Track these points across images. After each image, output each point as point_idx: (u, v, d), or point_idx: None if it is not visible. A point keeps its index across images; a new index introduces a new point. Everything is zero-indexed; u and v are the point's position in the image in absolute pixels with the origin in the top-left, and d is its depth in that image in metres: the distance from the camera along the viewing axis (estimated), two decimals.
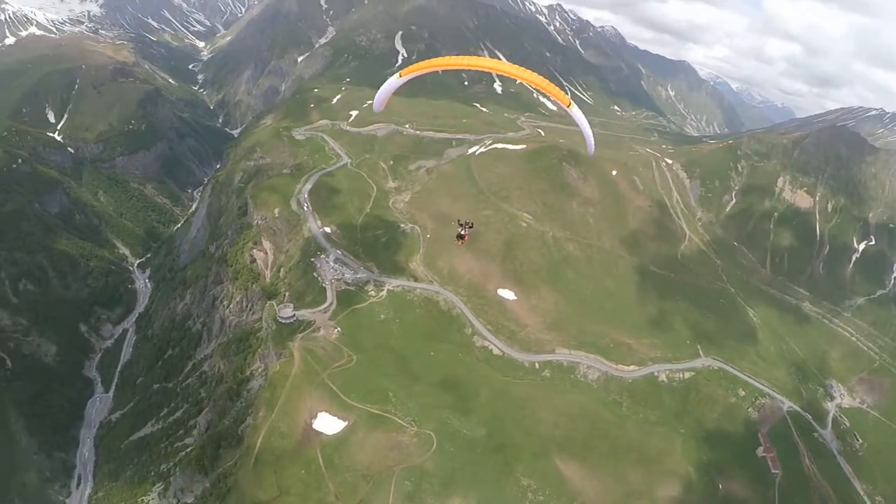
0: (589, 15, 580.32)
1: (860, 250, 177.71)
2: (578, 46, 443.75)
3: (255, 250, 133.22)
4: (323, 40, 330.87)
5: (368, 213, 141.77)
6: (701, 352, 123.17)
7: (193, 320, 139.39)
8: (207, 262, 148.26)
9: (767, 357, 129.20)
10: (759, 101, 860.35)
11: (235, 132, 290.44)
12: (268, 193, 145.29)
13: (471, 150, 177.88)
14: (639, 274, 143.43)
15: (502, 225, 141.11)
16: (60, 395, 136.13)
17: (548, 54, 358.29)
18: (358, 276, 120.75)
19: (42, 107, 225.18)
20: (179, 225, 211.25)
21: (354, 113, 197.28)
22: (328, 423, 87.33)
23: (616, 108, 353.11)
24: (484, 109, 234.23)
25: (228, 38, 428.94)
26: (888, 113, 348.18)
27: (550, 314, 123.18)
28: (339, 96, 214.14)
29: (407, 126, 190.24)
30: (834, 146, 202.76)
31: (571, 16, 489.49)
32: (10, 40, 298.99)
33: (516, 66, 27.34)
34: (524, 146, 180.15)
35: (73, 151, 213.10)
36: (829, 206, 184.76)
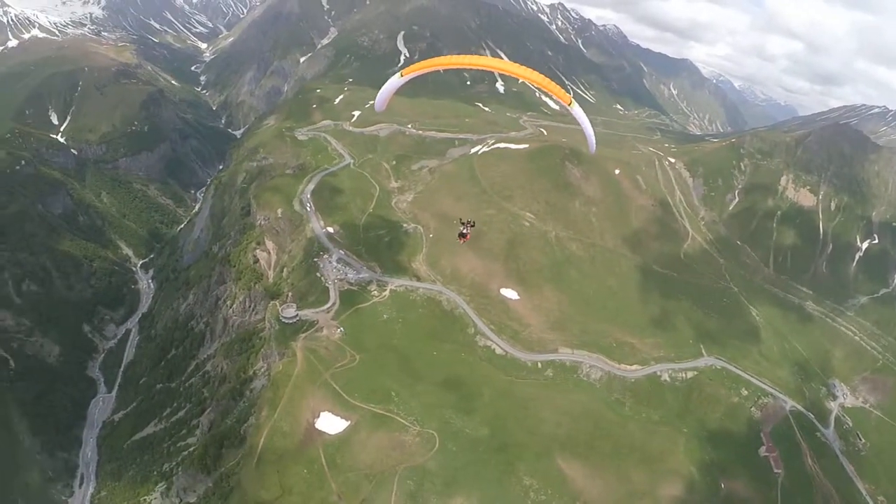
0: (591, 14, 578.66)
1: (863, 249, 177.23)
2: (580, 45, 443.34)
3: (258, 250, 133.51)
4: (325, 41, 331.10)
5: (371, 213, 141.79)
6: (704, 351, 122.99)
7: (196, 320, 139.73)
8: (210, 262, 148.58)
9: (770, 356, 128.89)
10: (761, 100, 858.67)
11: (238, 133, 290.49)
12: (271, 194, 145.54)
13: (473, 150, 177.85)
14: (642, 273, 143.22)
15: (505, 224, 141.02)
16: (63, 395, 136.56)
17: (550, 53, 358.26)
18: (361, 275, 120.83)
19: (45, 109, 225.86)
20: (182, 225, 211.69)
21: (357, 113, 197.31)
22: (331, 423, 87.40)
23: (618, 106, 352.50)
24: (486, 109, 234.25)
25: (230, 39, 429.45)
26: (891, 111, 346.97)
27: (553, 314, 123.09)
28: (341, 97, 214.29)
29: (409, 126, 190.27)
30: (837, 144, 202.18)
31: (573, 14, 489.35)
32: (12, 43, 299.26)
33: (516, 64, 27.38)
34: (527, 146, 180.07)
35: (76, 153, 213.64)
36: (833, 205, 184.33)
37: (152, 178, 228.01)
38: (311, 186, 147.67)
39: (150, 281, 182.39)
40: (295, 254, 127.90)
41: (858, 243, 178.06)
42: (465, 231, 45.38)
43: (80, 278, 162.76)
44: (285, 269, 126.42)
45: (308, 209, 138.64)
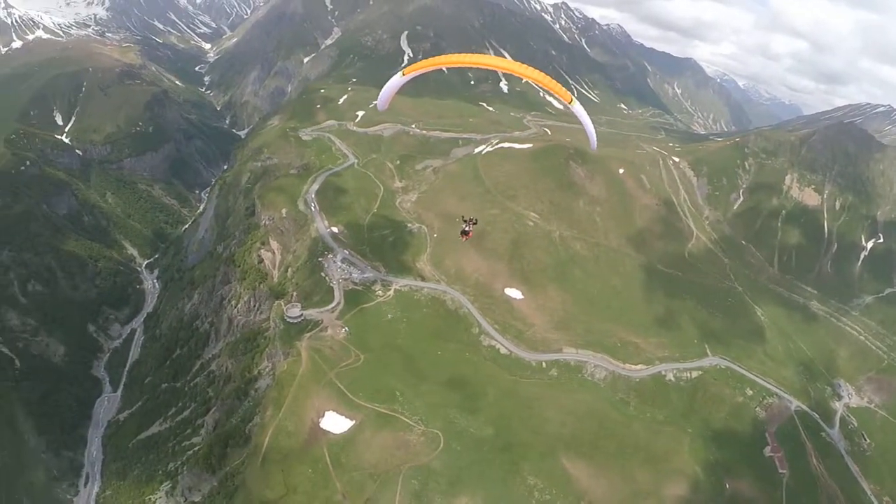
0: (594, 13, 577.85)
1: (868, 248, 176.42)
2: (584, 45, 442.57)
3: (262, 250, 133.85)
4: (329, 41, 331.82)
5: (375, 212, 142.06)
6: (708, 351, 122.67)
7: (201, 320, 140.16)
8: (215, 262, 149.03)
9: (775, 356, 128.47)
10: (766, 99, 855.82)
11: (242, 133, 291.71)
12: (275, 194, 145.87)
13: (477, 150, 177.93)
14: (646, 273, 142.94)
15: (509, 224, 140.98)
16: (68, 394, 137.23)
17: (553, 53, 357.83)
18: (365, 275, 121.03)
19: (49, 109, 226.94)
20: (187, 226, 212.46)
21: (361, 113, 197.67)
22: (335, 422, 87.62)
23: (622, 106, 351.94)
24: (490, 109, 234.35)
25: (234, 39, 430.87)
26: None
27: (557, 313, 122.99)
28: (345, 97, 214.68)
29: (413, 126, 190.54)
30: (841, 143, 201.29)
31: (577, 14, 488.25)
32: (17, 44, 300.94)
33: (518, 63, 27.39)
34: (531, 145, 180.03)
35: (80, 153, 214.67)
36: (837, 204, 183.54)
37: (157, 178, 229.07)
38: (316, 186, 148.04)
39: (154, 281, 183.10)
40: (299, 254, 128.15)
41: (863, 242, 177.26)
42: (467, 228, 45.61)
43: (85, 278, 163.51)
44: (290, 269, 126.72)
45: (312, 209, 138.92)
